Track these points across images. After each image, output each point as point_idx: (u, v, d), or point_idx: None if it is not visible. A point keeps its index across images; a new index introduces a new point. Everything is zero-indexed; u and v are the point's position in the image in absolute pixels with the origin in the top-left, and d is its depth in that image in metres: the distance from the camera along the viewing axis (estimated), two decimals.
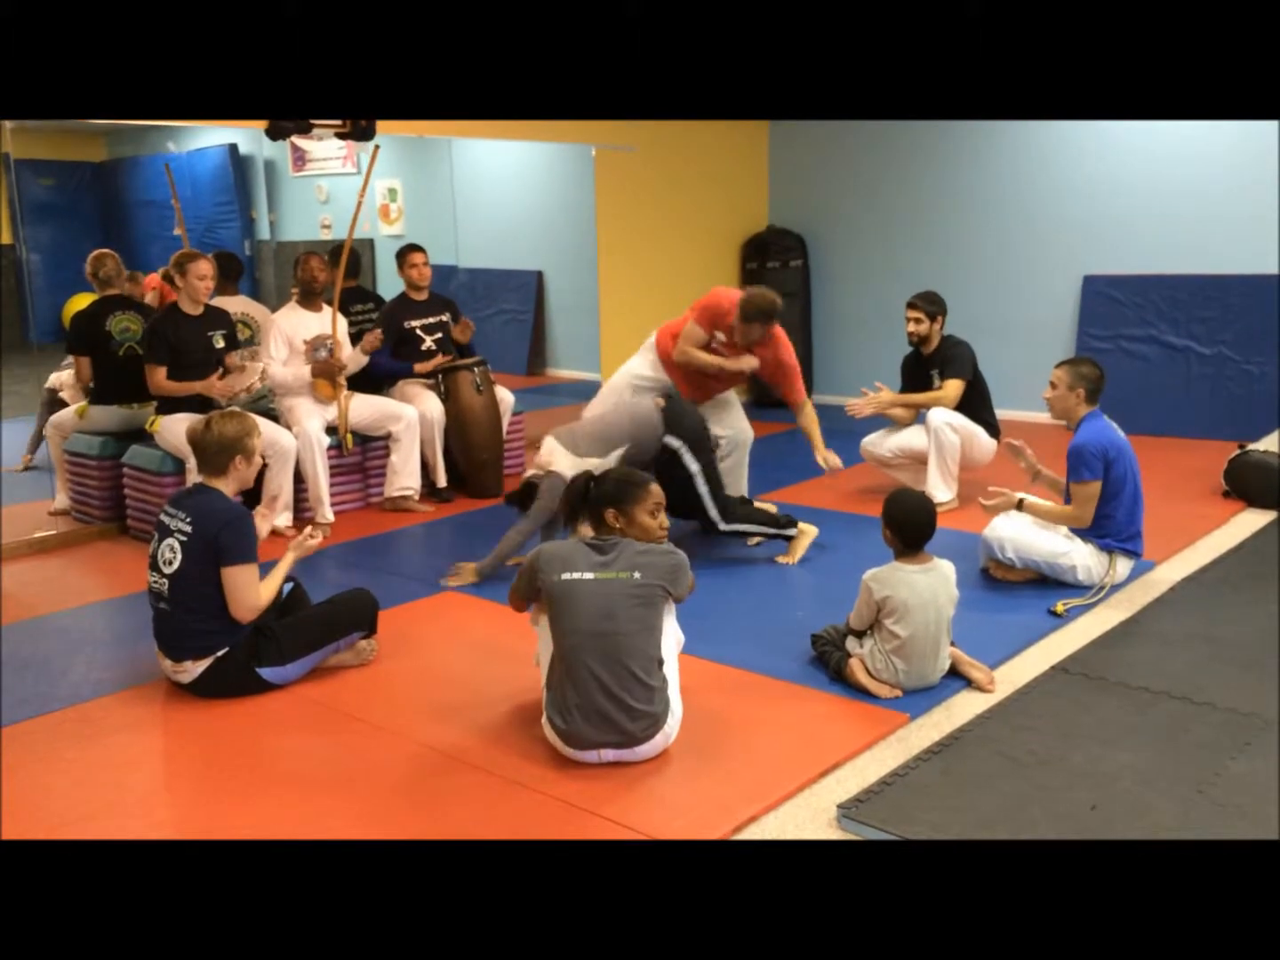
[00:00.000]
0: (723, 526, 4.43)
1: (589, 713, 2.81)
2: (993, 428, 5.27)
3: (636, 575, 2.86)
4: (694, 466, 4.32)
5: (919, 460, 5.31)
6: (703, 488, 4.34)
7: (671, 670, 2.95)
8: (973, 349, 5.30)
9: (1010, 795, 2.68)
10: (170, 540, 3.30)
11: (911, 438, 5.34)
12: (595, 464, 4.03)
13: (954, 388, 5.20)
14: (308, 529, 3.62)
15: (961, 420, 5.16)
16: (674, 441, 4.30)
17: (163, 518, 3.38)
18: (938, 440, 5.12)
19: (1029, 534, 4.10)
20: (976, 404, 5.25)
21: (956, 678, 3.33)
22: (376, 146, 5.33)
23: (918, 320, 5.25)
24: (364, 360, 5.43)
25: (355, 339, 5.48)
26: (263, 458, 4.93)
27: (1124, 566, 4.10)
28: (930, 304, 5.27)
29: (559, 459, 4.15)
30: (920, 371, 5.38)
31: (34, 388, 5.95)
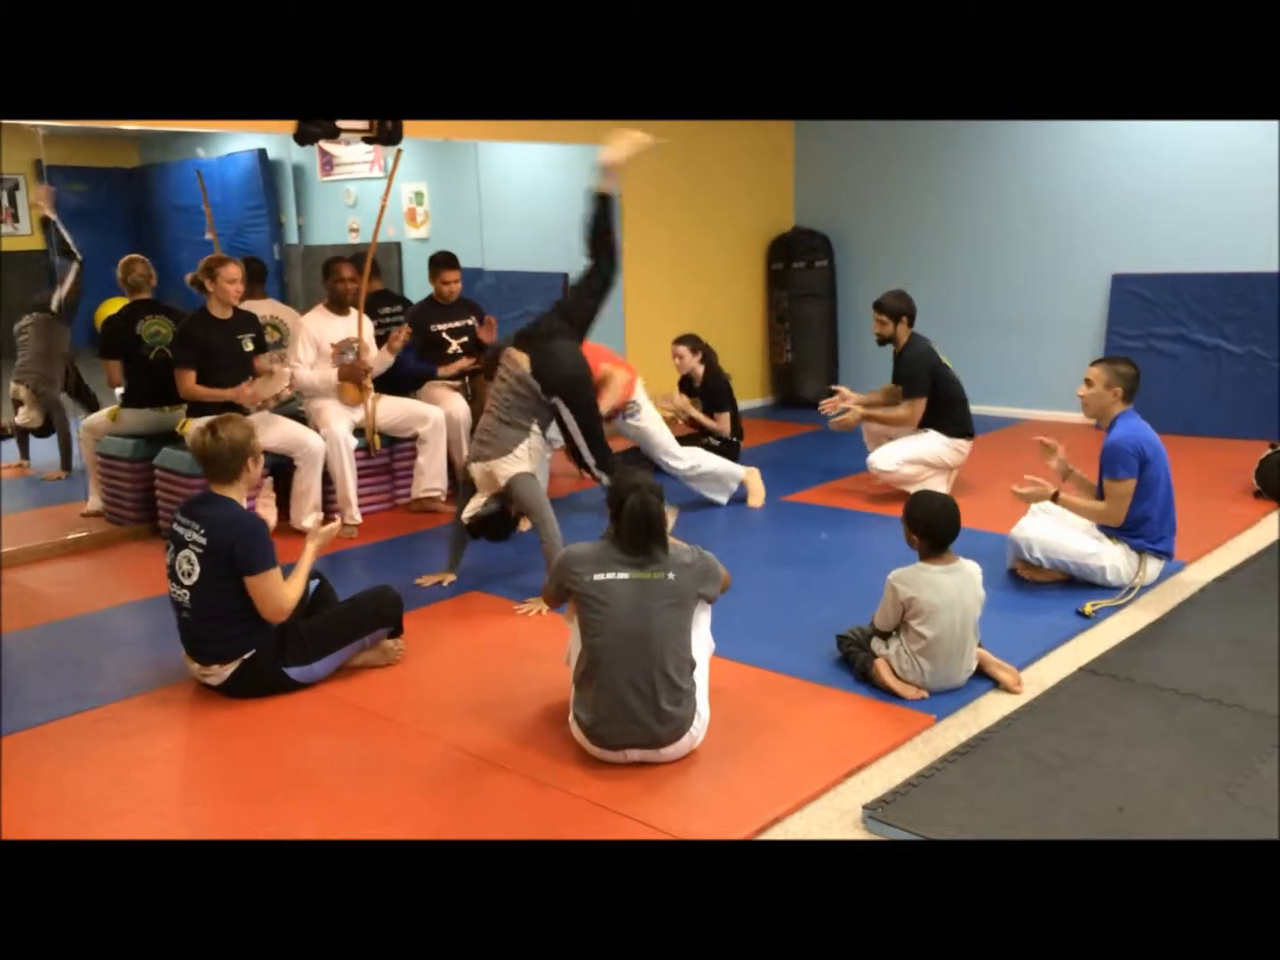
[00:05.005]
0: (602, 479, 4.33)
1: (618, 712, 2.81)
2: (961, 430, 5.35)
3: (671, 576, 2.86)
4: (568, 417, 4.24)
5: (931, 465, 5.32)
6: (576, 436, 4.26)
7: (701, 675, 2.96)
8: (933, 354, 5.36)
9: (1037, 797, 2.67)
10: (186, 552, 3.31)
11: (920, 446, 5.33)
12: (526, 446, 4.12)
13: (915, 408, 5.34)
14: (319, 516, 3.64)
15: (897, 456, 5.27)
16: (552, 398, 4.22)
17: (176, 527, 3.38)
18: (889, 483, 5.32)
19: (1057, 534, 4.07)
20: (936, 413, 5.33)
21: (983, 679, 3.32)
22: (399, 150, 5.37)
23: (880, 322, 5.40)
24: (390, 360, 5.46)
25: (382, 342, 5.52)
26: (291, 459, 5.03)
27: (1154, 567, 4.07)
28: (896, 301, 5.38)
29: (505, 467, 4.11)
30: (895, 370, 5.56)
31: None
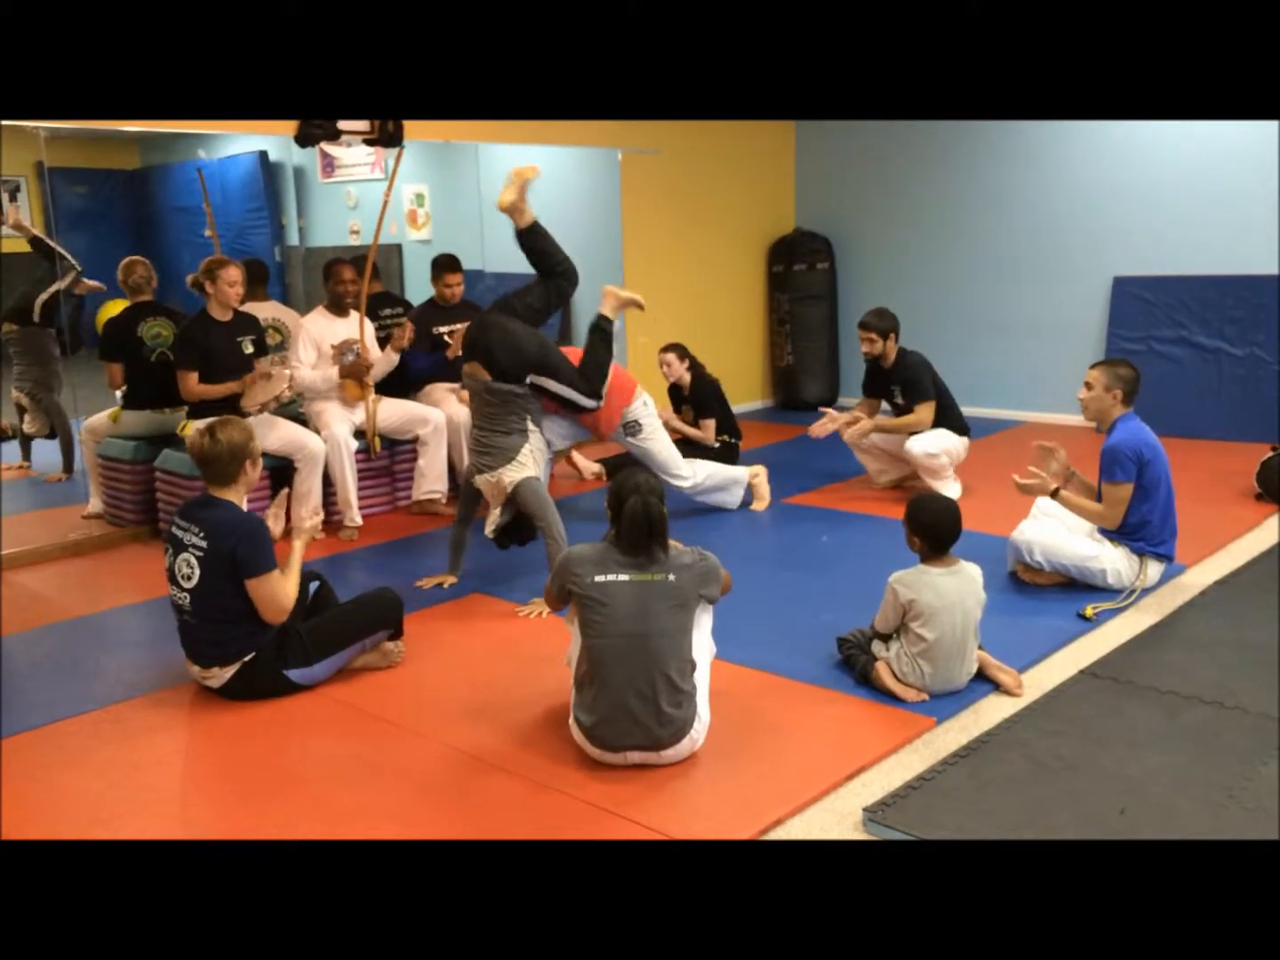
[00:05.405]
0: (594, 405, 4.50)
1: (618, 713, 2.81)
2: (965, 428, 5.49)
3: (671, 578, 2.86)
4: (551, 385, 4.33)
5: (952, 459, 5.45)
6: (566, 393, 4.37)
7: (702, 678, 2.95)
8: (928, 361, 5.47)
9: (1037, 799, 2.67)
10: (186, 555, 3.30)
11: (945, 440, 5.40)
12: (528, 449, 4.15)
13: (927, 410, 5.40)
14: (302, 511, 3.65)
15: (936, 444, 5.33)
16: (531, 380, 4.26)
17: (175, 530, 3.38)
18: (925, 467, 5.35)
19: (1058, 537, 4.07)
20: (940, 414, 5.43)
21: (984, 681, 3.31)
22: (401, 149, 5.37)
23: (870, 341, 5.45)
24: (395, 360, 5.46)
25: (383, 343, 5.52)
26: (292, 461, 5.03)
27: (1155, 570, 4.07)
28: (881, 320, 5.45)
29: (511, 474, 4.13)
30: (882, 385, 5.60)
31: (67, 394, 6.03)
